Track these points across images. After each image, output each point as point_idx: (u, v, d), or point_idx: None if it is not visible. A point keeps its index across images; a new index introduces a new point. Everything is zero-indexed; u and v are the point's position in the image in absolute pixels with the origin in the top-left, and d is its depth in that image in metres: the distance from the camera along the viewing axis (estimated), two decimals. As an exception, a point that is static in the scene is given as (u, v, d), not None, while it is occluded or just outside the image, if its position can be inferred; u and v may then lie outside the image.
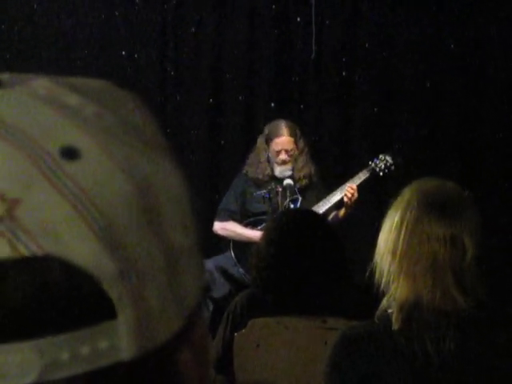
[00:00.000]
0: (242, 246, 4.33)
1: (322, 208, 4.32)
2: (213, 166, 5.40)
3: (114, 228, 0.39)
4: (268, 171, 4.41)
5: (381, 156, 4.58)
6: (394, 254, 1.76)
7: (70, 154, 0.39)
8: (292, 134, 4.40)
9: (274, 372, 2.27)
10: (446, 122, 5.26)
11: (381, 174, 4.54)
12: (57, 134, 0.40)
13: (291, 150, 4.38)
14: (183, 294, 0.42)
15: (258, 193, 4.38)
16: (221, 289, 4.28)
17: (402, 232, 1.75)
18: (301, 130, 4.51)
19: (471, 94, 5.19)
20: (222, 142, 5.42)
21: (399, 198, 1.81)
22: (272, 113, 5.03)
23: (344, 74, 5.33)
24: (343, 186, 4.37)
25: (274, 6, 5.36)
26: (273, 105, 5.35)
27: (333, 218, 4.32)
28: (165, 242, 0.41)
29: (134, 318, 0.39)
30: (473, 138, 5.20)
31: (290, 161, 4.38)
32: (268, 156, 4.42)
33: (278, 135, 4.37)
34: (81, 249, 0.38)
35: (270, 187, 4.30)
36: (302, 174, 4.41)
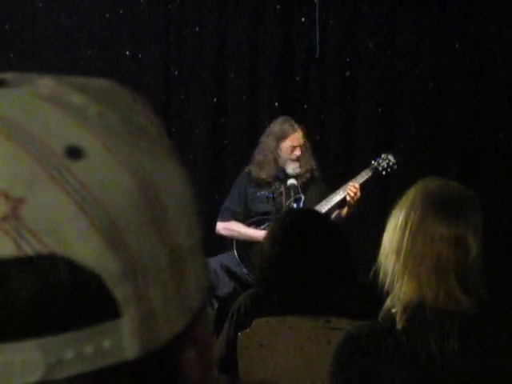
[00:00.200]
0: (245, 246, 4.33)
1: (324, 207, 4.32)
2: (216, 165, 5.40)
3: (118, 227, 0.39)
4: (274, 171, 4.40)
5: (383, 155, 4.58)
6: (398, 253, 1.76)
7: (74, 153, 0.39)
8: (303, 130, 4.42)
9: (278, 371, 2.27)
10: (447, 122, 5.26)
11: (383, 172, 4.54)
12: (61, 134, 0.40)
13: (303, 146, 4.40)
14: (187, 293, 0.42)
15: (262, 193, 4.38)
16: (225, 287, 4.28)
17: (407, 232, 1.75)
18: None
19: (473, 94, 5.19)
20: (225, 141, 5.42)
21: (404, 198, 1.80)
22: (275, 112, 5.03)
23: (347, 73, 5.33)
24: (346, 185, 4.37)
25: (277, 6, 5.36)
26: (276, 104, 5.35)
27: (335, 217, 4.32)
28: (169, 242, 0.41)
29: (137, 317, 0.39)
30: (474, 137, 5.19)
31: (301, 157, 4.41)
32: (277, 155, 4.41)
33: (293, 131, 4.38)
34: (85, 248, 0.38)
35: (273, 187, 4.30)
36: (304, 169, 4.41)
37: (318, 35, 5.29)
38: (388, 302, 1.78)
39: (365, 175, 4.46)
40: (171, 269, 0.41)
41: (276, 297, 2.35)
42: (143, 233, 0.40)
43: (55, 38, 5.35)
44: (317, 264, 2.31)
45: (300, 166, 4.39)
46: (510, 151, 5.05)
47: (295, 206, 4.26)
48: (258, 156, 4.47)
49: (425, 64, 5.24)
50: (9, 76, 0.44)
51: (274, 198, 4.28)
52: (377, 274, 1.80)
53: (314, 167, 4.47)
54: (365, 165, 4.57)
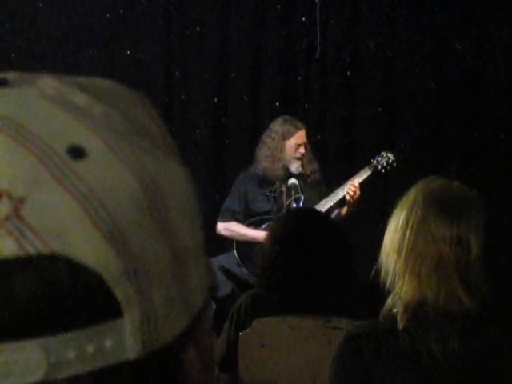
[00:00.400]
0: (245, 246, 4.33)
1: (324, 206, 4.32)
2: (217, 165, 5.40)
3: (120, 227, 0.39)
4: (278, 171, 4.40)
5: (382, 153, 4.58)
6: (399, 253, 1.76)
7: (77, 153, 0.39)
8: (305, 128, 4.44)
9: (279, 371, 2.27)
10: (448, 122, 5.26)
11: (383, 171, 4.55)
12: (64, 133, 0.40)
13: (306, 144, 4.41)
14: (189, 293, 0.42)
15: (263, 192, 4.38)
16: (223, 288, 4.28)
17: (408, 231, 1.75)
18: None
19: (473, 95, 5.19)
20: (227, 141, 5.42)
21: (405, 197, 1.81)
22: (276, 112, 5.03)
23: (348, 73, 5.33)
24: (345, 184, 4.37)
25: (278, 6, 5.36)
26: (277, 104, 5.35)
27: (335, 217, 4.32)
28: (172, 242, 0.41)
29: (139, 317, 0.39)
30: (475, 138, 5.19)
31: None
32: (281, 154, 4.40)
33: (297, 129, 4.39)
34: (87, 248, 0.38)
35: (275, 186, 4.30)
36: (309, 169, 4.42)
37: (318, 35, 5.29)
38: (389, 301, 1.78)
39: (364, 174, 4.46)
40: (173, 269, 0.41)
41: (276, 296, 2.35)
42: (145, 232, 0.40)
43: (56, 38, 5.35)
44: (317, 264, 2.31)
45: (302, 165, 4.40)
46: (511, 151, 5.05)
47: (295, 205, 4.26)
48: (261, 156, 4.46)
49: (425, 64, 5.24)
50: (11, 76, 0.44)
51: (275, 198, 4.28)
52: (378, 273, 1.80)
53: (316, 167, 4.48)
54: (366, 164, 4.57)
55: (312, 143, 4.58)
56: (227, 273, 4.32)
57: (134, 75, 5.30)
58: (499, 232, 4.62)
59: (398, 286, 1.76)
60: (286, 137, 4.40)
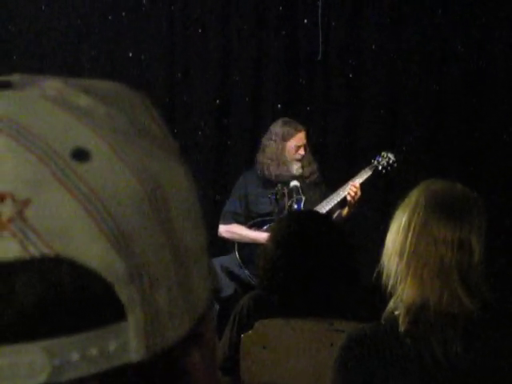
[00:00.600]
0: (246, 248, 4.33)
1: (325, 207, 4.32)
2: (219, 166, 5.41)
3: (124, 229, 0.39)
4: (279, 172, 4.40)
5: (383, 153, 4.58)
6: (401, 255, 1.76)
7: (80, 155, 0.39)
8: (305, 130, 4.44)
9: (281, 373, 2.27)
10: (451, 124, 5.26)
11: (383, 171, 4.54)
12: (67, 136, 0.40)
13: (306, 146, 4.42)
14: (193, 295, 0.42)
15: (264, 194, 4.38)
16: (226, 289, 4.28)
17: (410, 234, 1.75)
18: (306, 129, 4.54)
19: (476, 96, 5.19)
20: (229, 142, 5.42)
21: (407, 199, 1.80)
22: (278, 114, 5.03)
23: (350, 75, 5.33)
24: (346, 184, 4.37)
25: (280, 8, 5.36)
26: (279, 106, 5.35)
27: (336, 217, 4.32)
28: (175, 243, 0.41)
29: (143, 319, 0.39)
30: (478, 139, 5.19)
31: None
32: (282, 156, 4.41)
33: (297, 131, 4.40)
34: (91, 250, 0.38)
35: (276, 188, 4.30)
36: (309, 171, 4.42)
37: (320, 37, 5.29)
38: (391, 303, 1.77)
39: (365, 174, 4.46)
40: (177, 271, 0.41)
41: (278, 298, 2.35)
42: (149, 235, 0.40)
43: (58, 39, 5.36)
44: (319, 265, 2.31)
45: (303, 167, 4.40)
46: (513, 152, 5.06)
47: (296, 206, 4.26)
48: (261, 157, 4.47)
49: (428, 66, 5.24)
50: (15, 78, 0.44)
51: (276, 199, 4.28)
52: (380, 275, 1.80)
53: (316, 169, 4.48)
54: (367, 165, 4.57)
55: (314, 145, 4.58)
56: (230, 274, 4.33)
57: (136, 76, 5.30)
58: (502, 234, 4.62)
59: (399, 289, 1.76)
60: (286, 138, 4.40)
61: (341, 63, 5.34)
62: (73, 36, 5.38)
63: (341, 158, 5.31)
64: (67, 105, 0.42)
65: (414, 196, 1.80)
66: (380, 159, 4.55)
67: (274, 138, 4.43)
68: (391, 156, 4.56)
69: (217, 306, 4.20)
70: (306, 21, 5.35)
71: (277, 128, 4.45)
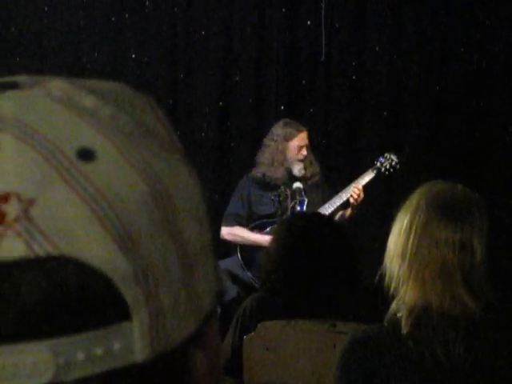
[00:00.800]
0: (249, 250, 4.33)
1: (328, 209, 4.32)
2: (222, 168, 5.41)
3: (129, 229, 0.39)
4: (281, 173, 4.40)
5: (386, 155, 4.58)
6: (403, 257, 1.76)
7: (85, 155, 0.39)
8: (307, 130, 4.44)
9: (283, 375, 2.27)
10: (453, 125, 5.25)
11: (386, 173, 4.54)
12: (73, 136, 0.40)
13: (308, 146, 4.41)
14: (198, 296, 0.42)
15: (267, 195, 4.37)
16: (229, 292, 4.28)
17: (411, 236, 1.75)
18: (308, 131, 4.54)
19: (478, 97, 5.19)
20: (232, 144, 5.42)
21: (408, 201, 1.80)
22: (281, 115, 5.03)
23: (353, 77, 5.33)
24: (349, 186, 4.37)
25: (283, 9, 5.37)
26: (282, 107, 5.35)
27: (339, 219, 4.32)
28: (180, 244, 0.41)
29: (148, 319, 0.39)
30: (480, 140, 5.19)
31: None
32: (284, 157, 4.40)
33: (299, 131, 4.39)
34: (96, 250, 0.38)
35: (279, 190, 4.30)
36: (311, 172, 4.42)
37: (323, 38, 5.30)
38: (393, 305, 1.77)
39: (367, 176, 4.46)
40: (182, 271, 0.41)
41: (281, 300, 2.35)
42: (154, 235, 0.40)
43: (61, 41, 5.36)
44: (322, 267, 2.31)
45: (305, 167, 4.40)
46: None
47: (298, 208, 4.26)
48: (264, 159, 4.46)
49: (430, 67, 5.24)
50: (21, 79, 0.44)
51: (279, 201, 4.28)
52: (382, 277, 1.80)
53: (318, 169, 4.48)
54: (370, 167, 4.56)
55: (316, 146, 4.58)
56: (233, 276, 4.32)
57: (139, 78, 5.30)
58: (502, 233, 4.61)
59: (402, 291, 1.76)
60: (288, 139, 4.40)
61: (343, 64, 5.34)
62: (76, 37, 5.39)
63: (343, 159, 5.31)
64: (73, 105, 0.42)
65: (415, 198, 1.80)
66: (383, 160, 4.55)
67: (275, 138, 4.43)
68: (394, 157, 4.54)
69: (219, 310, 4.20)
70: (309, 22, 5.35)
71: (278, 129, 4.45)
